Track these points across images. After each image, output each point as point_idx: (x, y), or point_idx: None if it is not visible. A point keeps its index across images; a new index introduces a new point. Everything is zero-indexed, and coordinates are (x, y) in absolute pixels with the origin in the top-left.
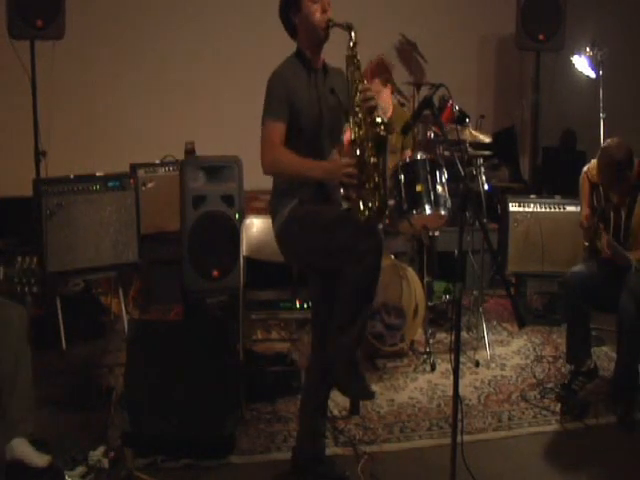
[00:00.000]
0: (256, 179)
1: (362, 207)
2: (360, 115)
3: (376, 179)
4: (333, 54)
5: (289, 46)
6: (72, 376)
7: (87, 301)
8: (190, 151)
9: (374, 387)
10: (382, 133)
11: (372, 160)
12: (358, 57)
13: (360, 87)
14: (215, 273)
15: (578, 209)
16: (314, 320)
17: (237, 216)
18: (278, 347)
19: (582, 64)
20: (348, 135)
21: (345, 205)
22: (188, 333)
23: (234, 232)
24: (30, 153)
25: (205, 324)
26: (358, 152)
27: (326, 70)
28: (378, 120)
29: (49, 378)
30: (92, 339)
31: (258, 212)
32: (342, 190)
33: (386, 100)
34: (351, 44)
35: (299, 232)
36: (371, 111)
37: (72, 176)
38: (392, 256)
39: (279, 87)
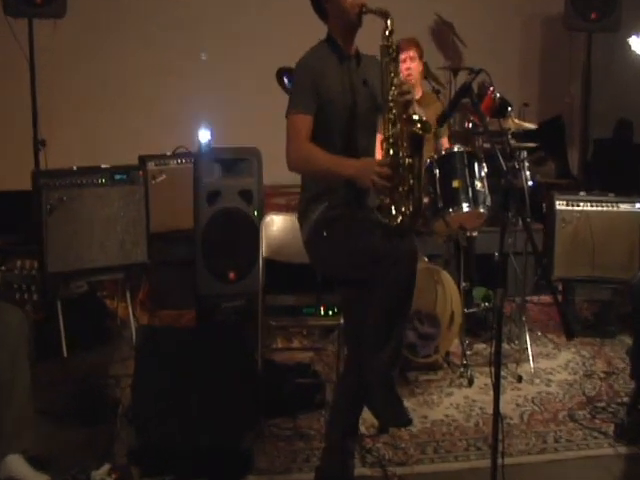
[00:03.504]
0: (277, 173)
1: (394, 212)
2: (395, 111)
3: (410, 182)
4: (366, 43)
5: (317, 28)
6: (74, 387)
7: (91, 305)
8: (205, 142)
9: (405, 402)
10: (419, 132)
11: (407, 161)
12: (394, 47)
13: (396, 80)
14: (231, 275)
15: (635, 208)
16: (345, 329)
17: (256, 213)
18: (300, 357)
19: None
20: (380, 135)
21: (377, 210)
22: (201, 341)
23: (252, 231)
24: (28, 142)
25: (220, 331)
26: (391, 152)
27: (359, 58)
28: (415, 117)
29: (49, 389)
30: (96, 346)
31: (279, 209)
32: (375, 193)
33: (417, 72)
34: (386, 33)
35: (327, 239)
36: (407, 107)
37: (75, 168)
38: (425, 258)
39: (306, 76)
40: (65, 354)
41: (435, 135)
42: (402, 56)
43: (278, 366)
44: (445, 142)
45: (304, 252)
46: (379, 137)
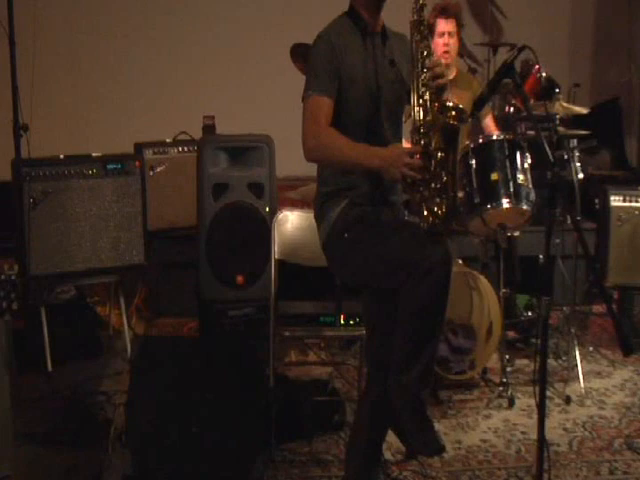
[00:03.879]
0: (292, 163)
1: (425, 212)
2: (426, 96)
3: (444, 178)
4: (394, 20)
5: (335, 2)
6: (60, 405)
7: (80, 312)
8: (209, 127)
9: (436, 425)
10: (453, 122)
11: (439, 154)
12: (426, 23)
13: (428, 62)
14: (239, 279)
15: None
16: (368, 341)
17: (267, 209)
18: (317, 372)
19: None
20: (407, 123)
21: (406, 209)
22: (205, 353)
23: (263, 229)
24: (8, 127)
25: (226, 343)
26: (422, 144)
27: (386, 36)
28: (449, 105)
29: (31, 407)
30: (85, 359)
31: (293, 205)
32: (403, 189)
33: (455, 50)
34: (417, 6)
35: (348, 241)
36: (441, 92)
37: (62, 156)
38: (460, 261)
39: (326, 53)
40: (50, 368)
41: (474, 116)
42: (439, 29)
43: (292, 382)
44: (490, 123)
45: (322, 254)
46: (407, 127)
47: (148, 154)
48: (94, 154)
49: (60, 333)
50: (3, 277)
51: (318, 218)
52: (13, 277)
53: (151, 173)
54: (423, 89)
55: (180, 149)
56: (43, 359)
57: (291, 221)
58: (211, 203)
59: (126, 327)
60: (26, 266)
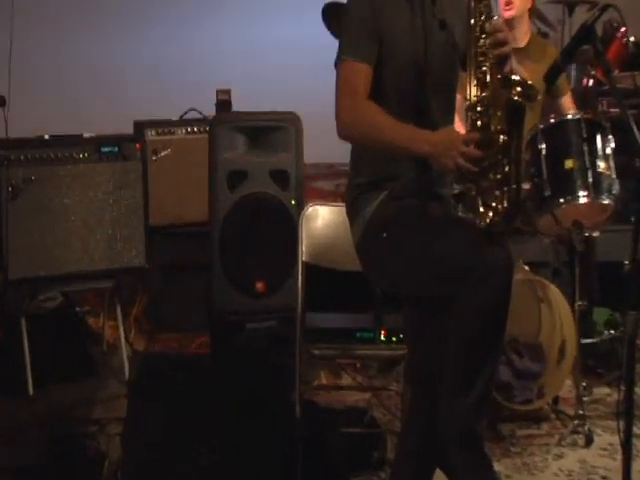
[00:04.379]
0: (323, 147)
1: (482, 207)
2: (486, 67)
3: (505, 167)
4: None
5: None
6: (43, 435)
7: (67, 324)
8: (224, 104)
9: (496, 465)
10: (519, 99)
11: (501, 138)
12: None
13: (488, 25)
14: (260, 286)
15: None
16: (412, 361)
17: (293, 202)
18: (352, 399)
19: None
20: (460, 98)
21: (458, 204)
22: (218, 375)
23: (289, 226)
24: None
25: (243, 362)
26: (479, 124)
27: None
28: (514, 78)
29: (9, 437)
30: (74, 381)
31: (324, 197)
32: (455, 179)
33: (523, 9)
34: None
35: (388, 242)
36: (503, 62)
37: (47, 137)
38: (526, 267)
39: (363, 12)
40: (31, 391)
41: (549, 93)
42: None
43: (322, 411)
44: (568, 102)
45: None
46: (460, 102)
47: (150, 135)
48: (86, 134)
49: (43, 349)
50: None
51: (351, 214)
52: None
53: (154, 158)
54: (481, 58)
55: (189, 129)
56: (23, 380)
57: (322, 216)
58: (226, 194)
59: (123, 342)
60: (3, 268)
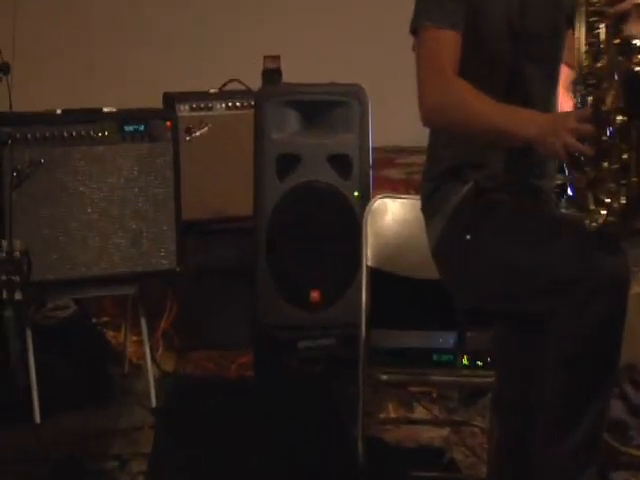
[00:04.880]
0: (393, 127)
1: (593, 205)
2: (599, 30)
3: (623, 154)
4: None
5: None
6: (52, 471)
7: (82, 338)
8: (273, 73)
9: None
10: None
11: (618, 118)
12: None
13: None
14: (314, 296)
15: None
16: (500, 391)
17: (357, 194)
18: (427, 436)
19: None
20: (566, 68)
21: (561, 198)
22: (264, 403)
23: (350, 223)
24: None
25: (294, 388)
26: (590, 100)
27: None
28: (636, 43)
29: (10, 474)
30: (90, 407)
31: (394, 188)
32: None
33: None
34: None
35: (472, 245)
36: (622, 24)
37: (59, 111)
38: None
39: None
40: (38, 419)
41: None
42: None
43: (390, 450)
44: None
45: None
46: (567, 74)
47: (183, 110)
48: (106, 109)
49: (53, 368)
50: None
51: (427, 210)
52: (15, 254)
53: (187, 138)
54: (594, 18)
55: (229, 104)
56: (28, 405)
57: (391, 211)
58: (275, 184)
59: (149, 361)
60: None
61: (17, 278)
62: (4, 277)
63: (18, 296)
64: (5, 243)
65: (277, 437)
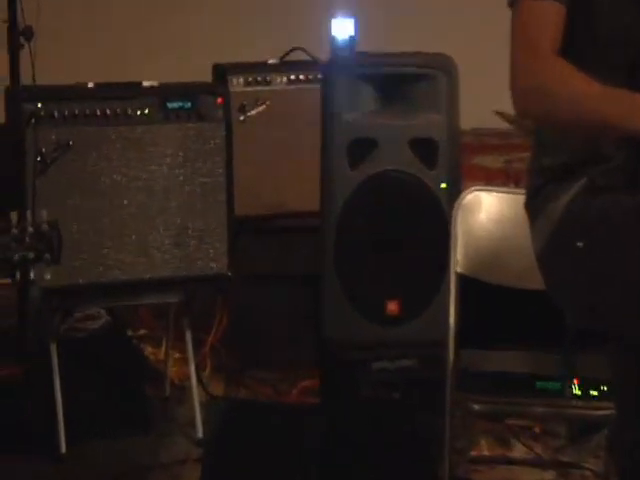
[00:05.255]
0: (489, 107)
1: None
2: None
3: None
4: None
5: None
6: None
7: (114, 354)
8: (344, 43)
9: None
10: None
11: None
12: None
13: None
14: (392, 308)
15: None
16: (619, 427)
17: (444, 185)
18: (529, 479)
19: None
20: None
21: None
22: (330, 434)
23: (436, 221)
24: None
25: (367, 417)
26: None
27: None
28: None
29: None
30: (124, 436)
31: (489, 178)
32: None
33: None
34: None
35: (586, 252)
36: None
37: (91, 84)
38: None
39: None
40: (63, 448)
41: None
42: None
43: None
44: None
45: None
46: None
47: (237, 85)
48: (146, 83)
49: (81, 389)
50: (30, 228)
51: (532, 208)
52: (43, 227)
53: (241, 118)
54: None
55: (292, 77)
56: (52, 433)
57: (486, 208)
58: (346, 174)
59: (194, 383)
60: (26, 273)
61: (47, 256)
62: (31, 254)
63: (47, 276)
64: (29, 214)
65: (345, 476)
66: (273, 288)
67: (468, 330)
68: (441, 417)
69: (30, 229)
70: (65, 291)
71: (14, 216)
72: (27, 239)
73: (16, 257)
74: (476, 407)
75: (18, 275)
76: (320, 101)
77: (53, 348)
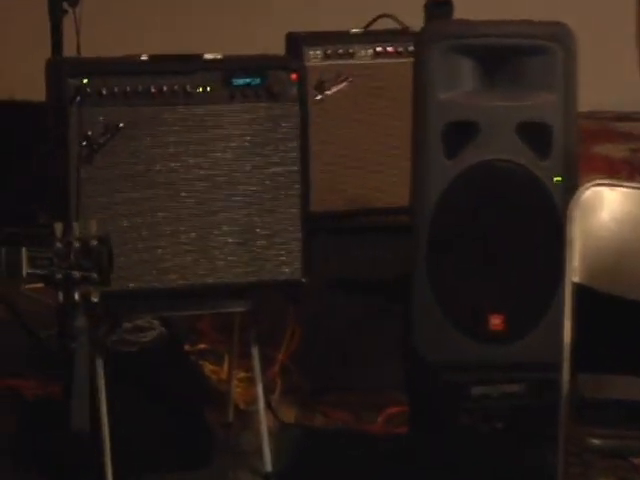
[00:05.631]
0: (611, 87)
1: None
2: None
3: None
4: None
5: None
6: None
7: (169, 372)
8: (440, 7)
9: None
10: None
11: None
12: None
13: None
14: (496, 322)
15: None
16: None
17: (558, 179)
18: None
19: None
20: None
21: None
22: (420, 470)
23: (548, 220)
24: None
25: (464, 451)
26: None
27: None
28: None
29: None
30: (180, 469)
31: (612, 170)
32: None
33: None
34: None
35: None
36: None
37: (144, 57)
38: None
39: None
40: None
41: None
42: None
43: None
44: None
45: None
46: None
47: (314, 58)
48: (208, 55)
49: (132, 413)
50: (77, 241)
51: None
52: (91, 241)
53: (319, 97)
54: None
55: (378, 49)
56: (97, 465)
57: (608, 206)
58: (442, 163)
59: (262, 408)
60: (70, 294)
61: (94, 275)
62: (77, 274)
63: (95, 298)
64: (76, 226)
65: None
66: (354, 297)
67: (586, 351)
68: (553, 453)
69: (76, 244)
70: (113, 297)
71: (59, 227)
72: (72, 256)
73: (59, 276)
74: (596, 442)
75: (61, 296)
76: (412, 77)
77: (99, 364)
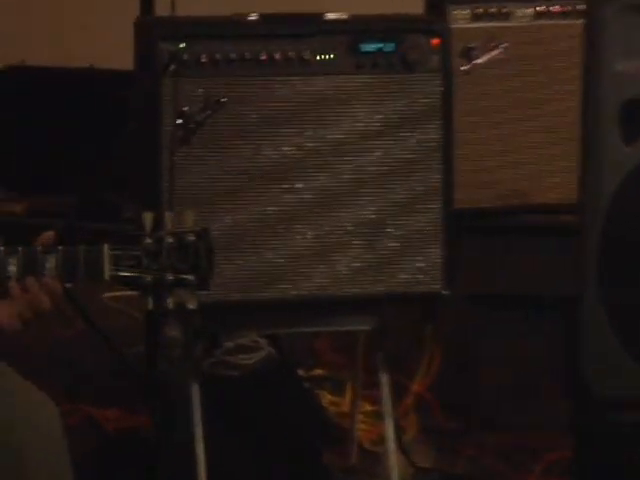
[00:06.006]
0: None
1: None
2: None
3: None
4: None
5: None
6: None
7: (279, 400)
8: None
9: None
10: None
11: None
12: None
13: None
14: None
15: None
16: None
17: None
18: None
19: None
20: None
21: None
22: None
23: None
24: None
25: None
26: None
27: None
28: None
29: None
30: None
31: None
32: None
33: None
34: None
35: None
36: None
37: (254, 16)
38: None
39: None
40: None
41: None
42: None
43: None
44: None
45: None
46: None
47: (461, 19)
48: (331, 15)
49: (232, 448)
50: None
51: None
52: (199, 247)
53: (465, 67)
54: None
55: (540, 8)
56: None
57: None
58: (618, 149)
59: (391, 449)
60: (162, 300)
61: (192, 278)
62: (170, 276)
63: (191, 305)
64: (169, 217)
65: None
66: (507, 315)
67: None
68: None
69: (169, 239)
70: (212, 309)
71: (148, 218)
72: (164, 254)
73: (148, 279)
74: None
75: (150, 303)
76: (582, 44)
77: (195, 390)
